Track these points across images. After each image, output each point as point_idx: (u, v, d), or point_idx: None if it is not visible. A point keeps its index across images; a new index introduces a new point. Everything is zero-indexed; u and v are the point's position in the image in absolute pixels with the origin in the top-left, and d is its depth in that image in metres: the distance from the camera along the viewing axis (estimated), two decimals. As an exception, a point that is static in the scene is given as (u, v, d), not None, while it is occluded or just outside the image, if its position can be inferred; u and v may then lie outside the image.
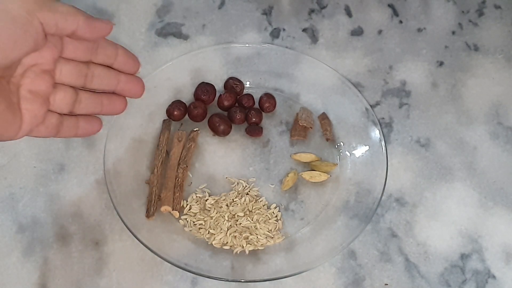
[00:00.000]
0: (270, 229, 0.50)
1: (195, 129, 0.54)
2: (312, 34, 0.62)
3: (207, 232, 0.49)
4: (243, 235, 0.49)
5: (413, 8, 0.65)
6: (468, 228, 0.51)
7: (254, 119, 0.55)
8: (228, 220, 0.50)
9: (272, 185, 0.53)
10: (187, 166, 0.52)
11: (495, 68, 0.61)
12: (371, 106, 0.54)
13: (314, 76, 0.57)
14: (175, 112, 0.54)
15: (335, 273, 0.48)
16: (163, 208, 0.49)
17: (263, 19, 0.63)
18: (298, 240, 0.49)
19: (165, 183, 0.50)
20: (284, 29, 0.62)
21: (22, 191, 0.51)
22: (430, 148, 0.55)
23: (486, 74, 0.60)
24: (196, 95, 0.56)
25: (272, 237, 0.49)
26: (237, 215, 0.50)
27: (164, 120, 0.55)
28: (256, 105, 0.57)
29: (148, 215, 0.49)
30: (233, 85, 0.57)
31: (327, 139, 0.55)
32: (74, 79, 0.40)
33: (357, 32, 0.63)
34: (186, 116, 0.55)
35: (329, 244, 0.48)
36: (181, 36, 0.61)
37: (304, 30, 0.62)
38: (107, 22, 0.39)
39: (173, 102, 0.55)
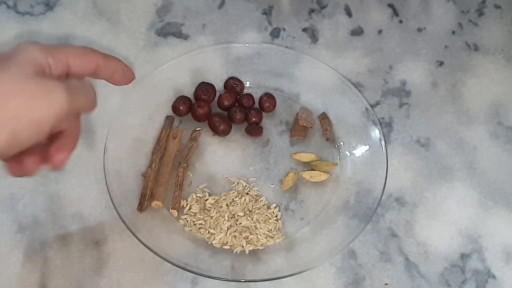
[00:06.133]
0: (270, 228, 0.50)
1: (197, 129, 0.54)
2: (312, 34, 0.62)
3: (207, 232, 0.49)
4: (243, 235, 0.49)
5: (413, 8, 0.65)
6: (468, 228, 0.51)
7: (254, 119, 0.55)
8: (228, 220, 0.50)
9: (272, 185, 0.53)
10: (187, 166, 0.52)
11: (495, 68, 0.61)
12: (371, 106, 0.54)
13: (314, 76, 0.57)
14: (181, 107, 0.54)
15: (335, 273, 0.48)
16: (154, 203, 0.49)
17: (263, 19, 0.63)
18: (298, 240, 0.49)
19: (158, 179, 0.50)
20: (284, 29, 0.62)
21: (22, 190, 0.51)
22: (430, 148, 0.55)
23: (486, 74, 0.60)
24: (196, 95, 0.56)
25: (272, 237, 0.49)
26: (237, 215, 0.50)
27: (167, 116, 0.55)
28: (256, 105, 0.57)
29: (141, 209, 0.49)
30: (233, 85, 0.57)
31: (327, 139, 0.55)
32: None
33: (357, 32, 0.63)
34: (186, 115, 0.55)
35: (329, 244, 0.48)
36: (181, 36, 0.61)
37: (304, 30, 0.62)
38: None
39: (178, 98, 0.55)
